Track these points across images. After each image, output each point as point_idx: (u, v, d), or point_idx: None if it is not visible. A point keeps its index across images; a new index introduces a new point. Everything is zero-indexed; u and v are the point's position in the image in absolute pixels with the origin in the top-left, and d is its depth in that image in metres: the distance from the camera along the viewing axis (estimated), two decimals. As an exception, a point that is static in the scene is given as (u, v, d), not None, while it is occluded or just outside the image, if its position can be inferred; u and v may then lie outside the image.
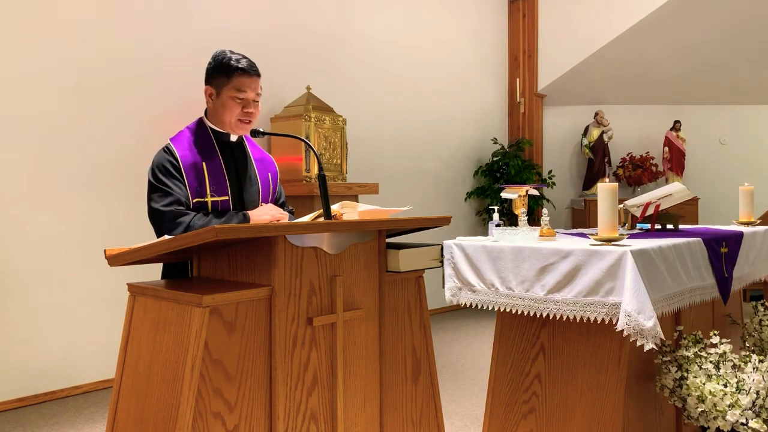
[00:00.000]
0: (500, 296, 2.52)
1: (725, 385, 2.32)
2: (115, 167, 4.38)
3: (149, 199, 2.29)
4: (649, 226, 3.25)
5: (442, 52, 6.99)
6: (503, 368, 2.75)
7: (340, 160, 5.26)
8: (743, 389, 2.31)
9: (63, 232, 4.17)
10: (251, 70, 2.35)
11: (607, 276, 2.26)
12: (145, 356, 1.79)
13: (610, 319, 2.26)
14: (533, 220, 6.05)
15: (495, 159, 7.40)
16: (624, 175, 7.76)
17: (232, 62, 2.33)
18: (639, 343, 2.19)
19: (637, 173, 7.70)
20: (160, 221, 2.25)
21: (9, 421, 3.72)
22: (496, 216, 2.80)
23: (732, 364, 2.42)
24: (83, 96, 4.27)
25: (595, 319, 2.30)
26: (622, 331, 2.19)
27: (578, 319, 2.33)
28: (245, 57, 2.38)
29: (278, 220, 2.35)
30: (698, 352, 2.43)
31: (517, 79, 7.76)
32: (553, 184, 7.60)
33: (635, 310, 2.17)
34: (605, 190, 2.42)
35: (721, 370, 2.38)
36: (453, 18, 7.15)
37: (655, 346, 2.22)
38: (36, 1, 4.06)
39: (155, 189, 2.28)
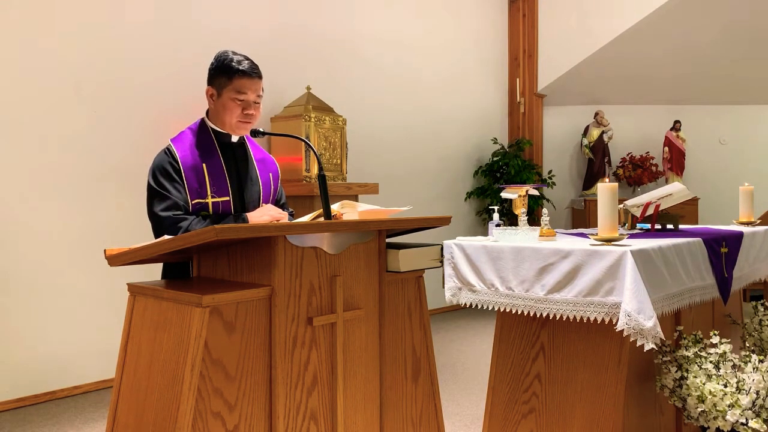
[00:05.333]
0: (500, 296, 2.52)
1: (725, 385, 2.32)
2: (116, 167, 4.38)
3: (149, 204, 2.29)
4: (649, 226, 3.25)
5: (442, 52, 6.99)
6: (503, 368, 2.75)
7: (340, 160, 5.26)
8: (743, 389, 2.31)
9: (63, 232, 4.17)
10: (252, 72, 2.35)
11: (607, 276, 2.26)
12: (145, 356, 1.79)
13: (610, 319, 2.26)
14: (533, 220, 6.05)
15: (495, 159, 7.40)
16: (624, 175, 7.76)
17: (234, 64, 2.33)
18: (639, 343, 2.19)
19: (637, 173, 7.71)
20: (158, 226, 2.25)
21: (9, 421, 3.72)
22: (496, 216, 2.80)
23: (732, 364, 2.42)
24: (83, 96, 4.27)
25: (595, 319, 2.30)
26: (622, 331, 2.19)
27: (578, 319, 2.33)
28: (247, 58, 2.37)
29: (278, 221, 2.35)
30: (698, 352, 2.43)
31: (517, 79, 7.76)
32: (553, 184, 7.60)
33: (635, 310, 2.17)
34: (605, 190, 2.42)
35: (721, 370, 2.38)
36: (453, 18, 7.15)
37: (655, 346, 2.22)
38: (37, 2, 4.06)
39: (155, 193, 2.28)
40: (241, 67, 2.32)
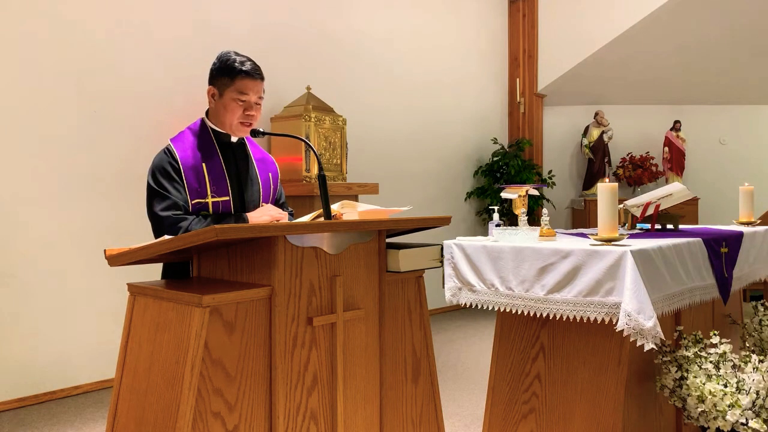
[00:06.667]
0: (500, 296, 2.52)
1: (725, 385, 2.32)
2: (116, 167, 4.38)
3: (148, 204, 2.29)
4: (649, 226, 3.25)
5: (442, 52, 6.99)
6: (503, 368, 2.75)
7: (340, 160, 5.26)
8: (743, 389, 2.31)
9: (63, 233, 4.17)
10: (255, 74, 2.35)
11: (607, 276, 2.26)
12: (145, 356, 1.79)
13: (610, 319, 2.26)
14: (533, 220, 6.05)
15: (495, 159, 7.40)
16: (624, 175, 7.76)
17: (236, 64, 2.33)
18: (639, 343, 2.19)
19: (637, 173, 7.71)
20: (158, 226, 2.25)
21: (9, 421, 3.72)
22: (496, 216, 2.80)
23: (732, 364, 2.42)
24: (84, 97, 4.27)
25: (595, 319, 2.30)
26: (622, 331, 2.19)
27: (578, 319, 2.33)
28: (250, 60, 2.38)
29: (277, 220, 2.35)
30: (698, 352, 2.43)
31: (517, 79, 7.76)
32: (553, 184, 7.60)
33: (635, 310, 2.17)
34: (605, 190, 2.42)
35: (721, 370, 2.38)
36: (453, 18, 7.15)
37: (655, 346, 2.22)
38: (36, 1, 4.06)
39: (154, 193, 2.28)
40: (244, 68, 2.33)
